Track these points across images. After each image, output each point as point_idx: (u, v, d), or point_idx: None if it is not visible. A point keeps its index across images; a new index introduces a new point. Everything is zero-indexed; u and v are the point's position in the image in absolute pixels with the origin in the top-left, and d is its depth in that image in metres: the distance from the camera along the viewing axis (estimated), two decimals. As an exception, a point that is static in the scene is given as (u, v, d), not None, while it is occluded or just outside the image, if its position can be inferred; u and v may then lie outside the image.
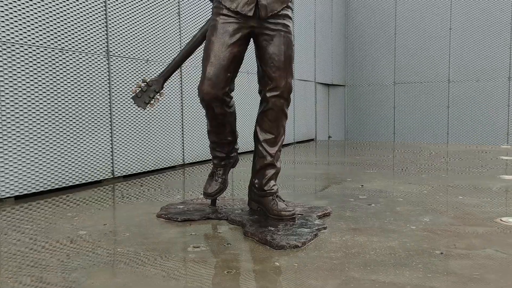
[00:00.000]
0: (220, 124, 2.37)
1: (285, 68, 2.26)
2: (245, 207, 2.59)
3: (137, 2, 3.92)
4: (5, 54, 2.89)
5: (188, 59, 2.59)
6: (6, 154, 2.92)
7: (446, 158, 5.12)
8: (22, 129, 3.02)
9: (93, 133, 3.54)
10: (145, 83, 2.53)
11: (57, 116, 3.24)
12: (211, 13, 2.31)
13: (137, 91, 2.52)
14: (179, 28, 4.44)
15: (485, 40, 8.60)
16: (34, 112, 3.09)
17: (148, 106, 2.53)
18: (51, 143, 3.21)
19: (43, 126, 3.15)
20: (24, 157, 3.03)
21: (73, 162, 3.38)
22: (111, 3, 3.66)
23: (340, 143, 7.60)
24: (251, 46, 2.33)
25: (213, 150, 2.53)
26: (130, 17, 3.86)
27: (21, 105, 3.01)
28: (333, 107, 9.26)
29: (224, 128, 2.40)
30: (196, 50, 2.55)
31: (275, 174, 2.40)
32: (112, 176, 3.73)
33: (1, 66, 2.88)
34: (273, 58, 2.24)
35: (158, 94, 2.54)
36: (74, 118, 3.37)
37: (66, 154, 3.32)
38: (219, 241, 2.06)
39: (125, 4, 3.80)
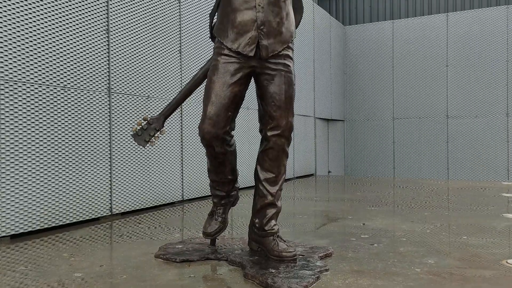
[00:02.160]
0: (220, 163, 2.35)
1: (286, 107, 2.26)
2: (245, 247, 2.54)
3: (139, 40, 3.97)
4: (7, 92, 2.91)
5: (188, 97, 2.60)
6: (2, 192, 2.89)
7: (447, 195, 5.08)
8: (21, 166, 3.00)
9: (92, 170, 3.51)
10: (145, 121, 2.52)
11: (56, 153, 3.23)
12: (212, 52, 2.33)
13: (138, 129, 2.51)
14: (180, 65, 4.49)
15: (482, 77, 8.71)
16: (33, 150, 3.07)
17: (148, 144, 2.52)
18: (49, 180, 3.18)
19: (41, 163, 3.13)
20: (21, 194, 3.00)
21: (71, 199, 3.34)
22: (114, 40, 3.71)
23: (340, 178, 7.56)
24: (251, 83, 2.34)
25: (213, 189, 2.51)
26: (132, 55, 3.90)
27: (21, 142, 3.00)
28: (332, 142, 9.28)
29: (224, 167, 2.38)
30: (197, 89, 2.57)
31: (276, 214, 2.37)
32: (110, 213, 3.67)
33: (3, 104, 2.88)
34: (274, 97, 2.25)
35: (159, 132, 2.53)
36: (74, 154, 3.36)
37: (63, 191, 3.28)
38: (219, 284, 2.00)
39: (127, 42, 3.85)
